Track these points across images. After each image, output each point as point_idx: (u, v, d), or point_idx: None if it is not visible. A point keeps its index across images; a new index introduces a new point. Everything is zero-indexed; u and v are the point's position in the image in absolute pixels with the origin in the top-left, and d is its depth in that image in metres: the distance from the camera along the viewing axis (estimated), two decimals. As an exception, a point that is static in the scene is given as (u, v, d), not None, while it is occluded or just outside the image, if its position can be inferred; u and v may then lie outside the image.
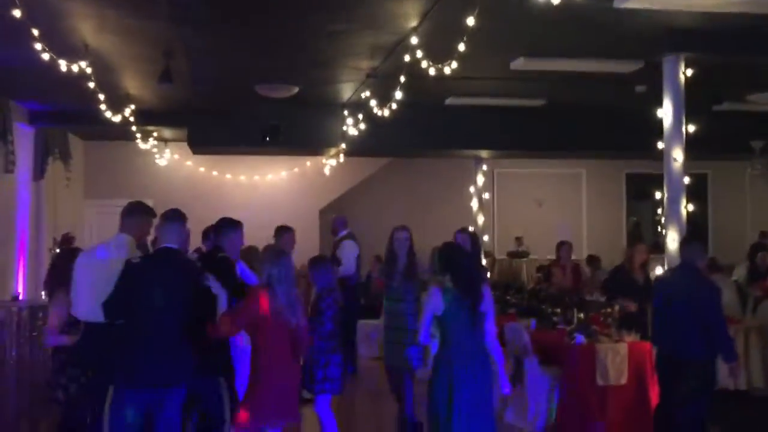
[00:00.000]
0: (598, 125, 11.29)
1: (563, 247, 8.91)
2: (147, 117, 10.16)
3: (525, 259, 14.43)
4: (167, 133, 12.25)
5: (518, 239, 14.95)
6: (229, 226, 5.32)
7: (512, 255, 14.78)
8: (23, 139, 10.07)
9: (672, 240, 6.80)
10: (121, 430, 4.27)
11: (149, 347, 4.28)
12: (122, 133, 10.71)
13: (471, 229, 9.16)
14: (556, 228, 14.95)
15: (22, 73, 7.99)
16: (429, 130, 10.91)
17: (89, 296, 4.65)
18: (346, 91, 9.64)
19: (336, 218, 9.19)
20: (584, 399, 6.50)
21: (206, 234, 6.98)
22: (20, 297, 8.80)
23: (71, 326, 4.76)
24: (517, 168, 15.15)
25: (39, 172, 10.74)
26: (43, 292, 7.79)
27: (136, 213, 4.85)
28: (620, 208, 16.17)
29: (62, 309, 4.86)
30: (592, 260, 11.25)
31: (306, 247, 10.12)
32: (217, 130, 10.65)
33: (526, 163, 14.75)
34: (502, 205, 15.37)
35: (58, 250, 8.39)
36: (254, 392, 4.56)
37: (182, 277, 4.45)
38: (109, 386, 4.38)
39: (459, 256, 4.69)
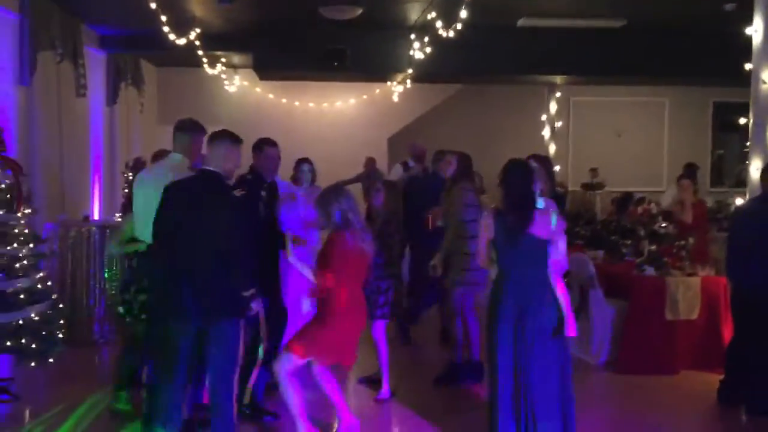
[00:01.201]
0: (683, 49, 10.55)
1: (684, 181, 8.26)
2: (213, 41, 10.08)
3: (599, 191, 13.95)
4: (236, 59, 12.21)
5: (593, 170, 14.42)
6: (254, 148, 5.16)
7: (586, 186, 14.30)
8: (95, 64, 10.21)
9: (755, 169, 6.32)
10: (175, 356, 4.12)
11: (191, 279, 4.01)
12: (193, 59, 10.71)
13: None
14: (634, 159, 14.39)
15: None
16: (500, 54, 10.44)
17: (139, 216, 4.71)
18: (413, 13, 9.30)
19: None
20: (651, 333, 6.28)
21: None
22: (92, 218, 9.06)
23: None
24: (594, 96, 14.49)
25: (112, 97, 10.91)
26: (118, 214, 8.01)
27: (185, 130, 4.70)
28: (705, 139, 15.34)
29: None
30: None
31: (374, 176, 10.04)
32: (281, 55, 10.51)
33: (604, 90, 14.05)
34: (577, 134, 14.79)
35: (129, 174, 8.54)
36: (320, 328, 4.47)
37: (217, 203, 4.07)
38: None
39: (516, 173, 4.35)
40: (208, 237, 4.01)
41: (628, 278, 6.52)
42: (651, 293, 6.31)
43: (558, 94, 11.86)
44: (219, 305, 4.05)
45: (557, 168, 11.91)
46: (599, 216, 11.11)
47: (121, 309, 5.02)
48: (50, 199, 8.30)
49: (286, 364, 4.40)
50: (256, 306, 4.18)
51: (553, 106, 11.83)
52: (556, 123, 11.85)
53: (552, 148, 11.85)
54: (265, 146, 5.19)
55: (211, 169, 4.13)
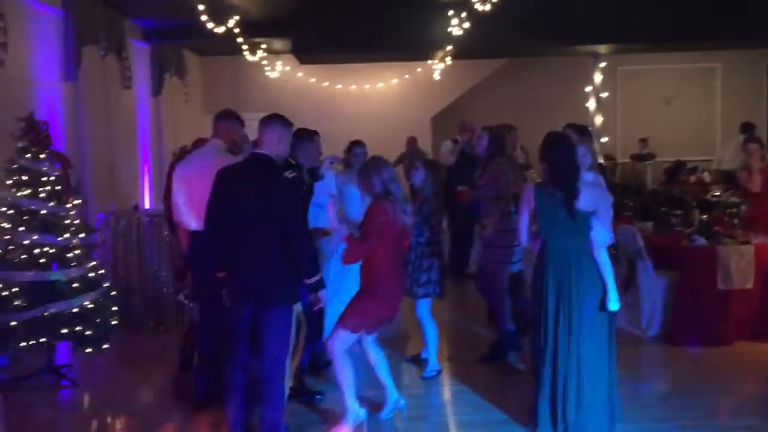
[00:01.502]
0: (734, 10, 10.15)
1: (752, 145, 7.92)
2: (251, 28, 10.14)
3: (650, 162, 13.64)
4: (277, 45, 12.27)
5: (643, 141, 14.13)
6: (301, 137, 5.05)
7: (636, 158, 14.02)
8: (139, 56, 10.40)
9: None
10: (233, 337, 4.25)
11: (243, 261, 4.08)
12: (235, 47, 10.83)
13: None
14: (685, 128, 13.99)
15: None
16: (539, 26, 10.20)
17: (181, 204, 4.81)
18: (449, -12, 9.20)
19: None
20: (703, 304, 6.13)
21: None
22: (143, 207, 9.27)
23: None
24: (642, 65, 14.14)
25: (157, 88, 11.11)
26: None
27: (223, 118, 4.94)
28: (761, 104, 14.81)
29: None
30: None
31: (417, 155, 10.03)
32: (319, 39, 10.52)
33: (652, 58, 13.68)
34: (625, 104, 14.48)
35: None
36: (367, 301, 4.49)
37: (269, 186, 4.06)
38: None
39: (559, 145, 4.31)
40: (260, 220, 4.03)
41: (678, 249, 6.36)
42: (702, 263, 6.15)
43: (602, 64, 11.53)
44: (271, 290, 4.07)
45: (604, 140, 11.71)
46: (650, 187, 10.86)
47: (181, 296, 5.16)
48: (101, 190, 8.52)
49: (340, 340, 4.43)
50: (322, 294, 4.20)
51: (597, 77, 11.52)
52: (601, 93, 11.52)
53: (598, 120, 11.55)
54: (314, 135, 5.22)
55: (263, 152, 4.15)
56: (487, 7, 7.93)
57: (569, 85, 12.96)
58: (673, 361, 5.95)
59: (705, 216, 6.74)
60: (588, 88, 11.60)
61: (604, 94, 11.59)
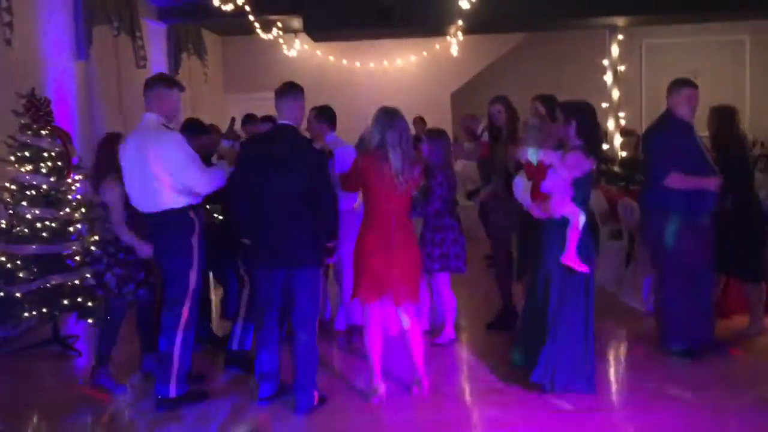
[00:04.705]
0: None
1: None
2: (262, 5, 10.12)
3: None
4: (295, 23, 12.28)
5: (667, 116, 13.79)
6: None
7: (661, 133, 13.73)
8: (154, 36, 10.52)
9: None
10: (264, 305, 4.45)
11: (272, 228, 4.23)
12: (255, 27, 10.85)
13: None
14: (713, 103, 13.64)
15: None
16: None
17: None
18: (460, -40, 9.05)
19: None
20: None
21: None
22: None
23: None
24: (667, 38, 13.81)
25: (173, 68, 11.24)
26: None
27: (152, 86, 4.40)
28: (792, 79, 14.35)
29: None
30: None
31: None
32: (330, 16, 10.46)
33: (677, 31, 13.34)
34: (650, 78, 14.17)
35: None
36: (354, 254, 4.52)
37: (295, 155, 4.22)
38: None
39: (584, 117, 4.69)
40: (292, 189, 4.21)
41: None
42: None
43: (620, 37, 11.29)
44: (302, 253, 4.26)
45: (622, 114, 11.46)
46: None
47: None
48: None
49: (362, 311, 4.55)
50: (336, 257, 4.46)
51: (614, 50, 11.26)
52: (619, 67, 11.27)
53: (615, 94, 11.32)
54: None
55: (288, 123, 4.32)
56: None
57: (589, 59, 12.72)
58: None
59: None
60: (605, 62, 11.36)
61: (622, 68, 11.34)
